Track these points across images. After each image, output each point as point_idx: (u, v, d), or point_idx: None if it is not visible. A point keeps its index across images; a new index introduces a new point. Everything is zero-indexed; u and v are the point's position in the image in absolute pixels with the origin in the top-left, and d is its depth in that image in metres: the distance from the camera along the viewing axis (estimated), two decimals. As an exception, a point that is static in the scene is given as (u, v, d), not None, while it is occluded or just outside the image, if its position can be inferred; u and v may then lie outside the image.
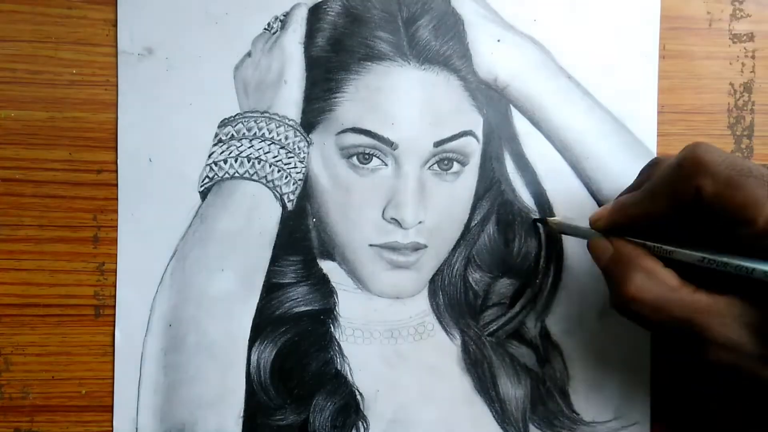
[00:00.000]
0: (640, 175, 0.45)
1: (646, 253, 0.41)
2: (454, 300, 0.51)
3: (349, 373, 0.50)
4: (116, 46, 0.49)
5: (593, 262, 0.48)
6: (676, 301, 0.39)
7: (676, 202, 0.38)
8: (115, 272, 0.49)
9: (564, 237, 0.51)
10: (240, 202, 0.49)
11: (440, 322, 0.51)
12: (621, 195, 0.45)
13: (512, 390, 0.51)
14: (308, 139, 0.50)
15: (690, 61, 0.52)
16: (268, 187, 0.49)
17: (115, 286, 0.49)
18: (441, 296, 0.51)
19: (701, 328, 0.38)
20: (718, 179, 0.36)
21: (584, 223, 0.45)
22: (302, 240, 0.50)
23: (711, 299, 0.38)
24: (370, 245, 0.50)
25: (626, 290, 0.40)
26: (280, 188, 0.49)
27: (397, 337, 0.51)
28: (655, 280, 0.40)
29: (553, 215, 0.51)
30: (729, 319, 0.37)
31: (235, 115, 0.50)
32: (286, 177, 0.49)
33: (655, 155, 0.51)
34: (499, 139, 0.51)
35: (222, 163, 0.49)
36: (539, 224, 0.50)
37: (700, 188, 0.37)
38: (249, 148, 0.49)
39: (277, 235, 0.50)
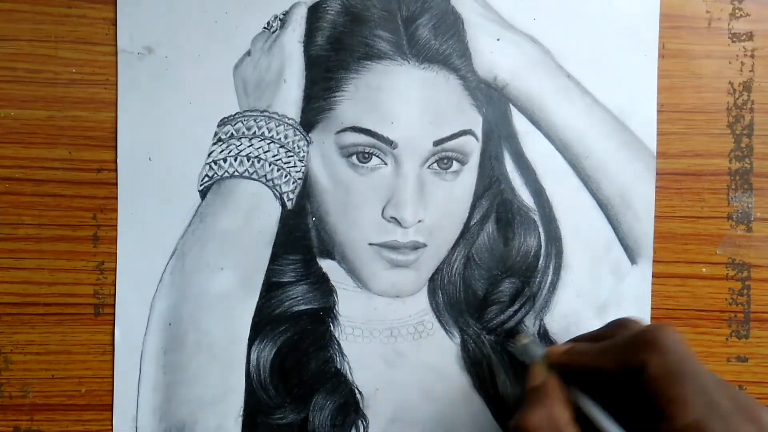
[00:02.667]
0: (606, 326, 0.45)
1: (564, 401, 0.40)
2: (454, 299, 0.51)
3: (348, 372, 0.50)
4: (116, 45, 0.49)
5: (593, 262, 0.48)
6: None
7: (621, 368, 0.39)
8: (115, 271, 0.49)
9: (564, 236, 0.51)
10: (240, 201, 0.49)
11: (439, 321, 0.51)
12: (580, 337, 0.46)
13: (511, 388, 0.51)
14: (308, 138, 0.50)
15: (689, 60, 0.52)
16: (268, 186, 0.49)
17: (115, 285, 0.49)
18: (440, 295, 0.51)
19: None
20: (664, 365, 0.37)
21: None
22: (302, 239, 0.50)
23: None
24: (370, 244, 0.50)
25: (522, 417, 0.40)
26: (280, 187, 0.49)
27: (397, 336, 0.51)
28: (550, 426, 0.39)
29: (554, 218, 0.51)
30: None
31: (235, 114, 0.50)
32: (286, 176, 0.49)
33: (655, 154, 0.51)
34: (498, 138, 0.51)
35: (222, 162, 0.49)
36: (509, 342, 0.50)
37: (646, 364, 0.37)
38: (249, 147, 0.49)
39: (277, 233, 0.50)
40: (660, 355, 0.37)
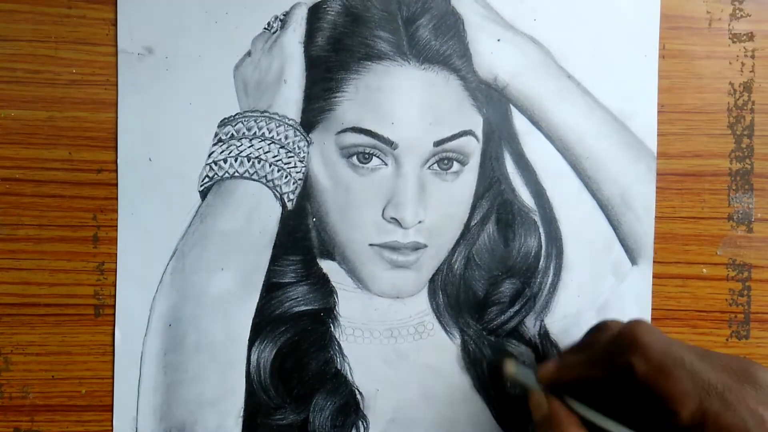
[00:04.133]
0: (587, 334, 0.46)
1: (577, 422, 0.41)
2: (454, 299, 0.51)
3: (348, 373, 0.50)
4: (116, 46, 0.49)
5: (593, 262, 0.48)
6: None
7: (612, 372, 0.39)
8: (115, 272, 0.49)
9: (564, 237, 0.51)
10: (240, 201, 0.49)
11: (440, 322, 0.51)
12: (568, 350, 0.46)
13: (511, 388, 0.51)
14: (308, 139, 0.50)
15: (690, 60, 0.52)
16: (268, 187, 0.49)
17: (115, 286, 0.49)
18: (441, 296, 0.51)
19: None
20: (649, 362, 0.37)
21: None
22: (302, 239, 0.50)
23: None
24: (370, 245, 0.50)
25: None
26: (280, 188, 0.49)
27: (397, 337, 0.51)
28: None
29: (555, 219, 0.51)
30: None
31: (235, 115, 0.50)
32: (286, 176, 0.49)
33: (655, 154, 0.51)
34: (499, 139, 0.51)
35: (222, 163, 0.49)
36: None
37: (633, 366, 0.37)
38: (249, 147, 0.49)
39: (277, 234, 0.50)
40: (642, 353, 0.37)
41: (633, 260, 0.52)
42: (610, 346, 0.40)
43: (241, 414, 0.49)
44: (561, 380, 0.43)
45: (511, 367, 0.46)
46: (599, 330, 0.44)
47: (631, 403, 0.38)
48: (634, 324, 0.39)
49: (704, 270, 0.52)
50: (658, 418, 0.37)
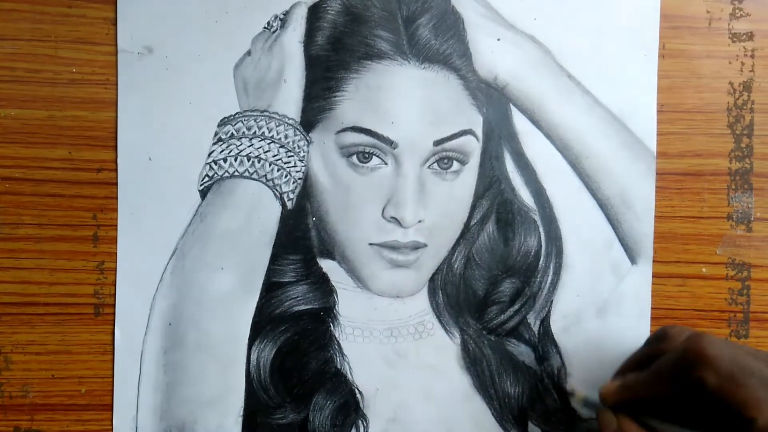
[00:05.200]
0: (647, 343, 0.47)
1: None
2: (454, 299, 0.51)
3: (348, 372, 0.50)
4: (116, 45, 0.49)
5: (593, 262, 0.48)
6: None
7: (680, 388, 0.40)
8: (115, 271, 0.49)
9: (564, 236, 0.51)
10: (240, 200, 0.49)
11: (440, 321, 0.51)
12: (627, 364, 0.46)
13: (511, 388, 0.51)
14: (308, 138, 0.50)
15: (690, 60, 0.52)
16: (268, 186, 0.49)
17: (115, 285, 0.49)
18: (441, 295, 0.51)
19: None
20: (721, 374, 0.38)
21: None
22: (302, 239, 0.50)
23: None
24: (370, 244, 0.50)
25: None
26: (280, 187, 0.49)
27: (397, 336, 0.51)
28: None
29: (555, 218, 0.51)
30: None
31: (235, 114, 0.50)
32: (286, 176, 0.49)
33: (655, 154, 0.51)
34: (498, 138, 0.51)
35: (222, 162, 0.49)
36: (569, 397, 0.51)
37: (703, 380, 0.38)
38: (249, 146, 0.49)
39: (277, 233, 0.50)
40: (713, 367, 0.38)
41: (633, 259, 0.52)
42: (677, 363, 0.40)
43: (241, 413, 0.49)
44: (623, 401, 0.43)
45: (580, 394, 0.49)
46: (659, 340, 0.45)
47: (700, 414, 0.39)
48: (698, 338, 0.40)
49: (704, 269, 0.52)
50: (733, 426, 0.38)
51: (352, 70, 0.49)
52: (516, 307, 0.51)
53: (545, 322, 0.51)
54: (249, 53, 0.50)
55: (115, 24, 0.49)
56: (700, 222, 0.52)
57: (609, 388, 0.44)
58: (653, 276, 0.52)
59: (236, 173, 0.49)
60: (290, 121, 0.49)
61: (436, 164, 0.50)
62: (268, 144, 0.49)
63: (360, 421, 0.50)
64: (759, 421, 0.37)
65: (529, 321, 0.51)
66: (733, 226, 0.52)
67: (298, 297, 0.50)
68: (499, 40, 0.51)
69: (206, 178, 0.49)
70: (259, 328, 0.50)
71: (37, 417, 0.49)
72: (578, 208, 0.51)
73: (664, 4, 0.51)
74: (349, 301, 0.51)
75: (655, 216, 0.52)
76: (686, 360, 0.39)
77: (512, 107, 0.51)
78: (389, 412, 0.50)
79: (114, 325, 0.49)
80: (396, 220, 0.49)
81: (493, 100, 0.51)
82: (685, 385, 0.39)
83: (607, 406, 0.44)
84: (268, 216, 0.50)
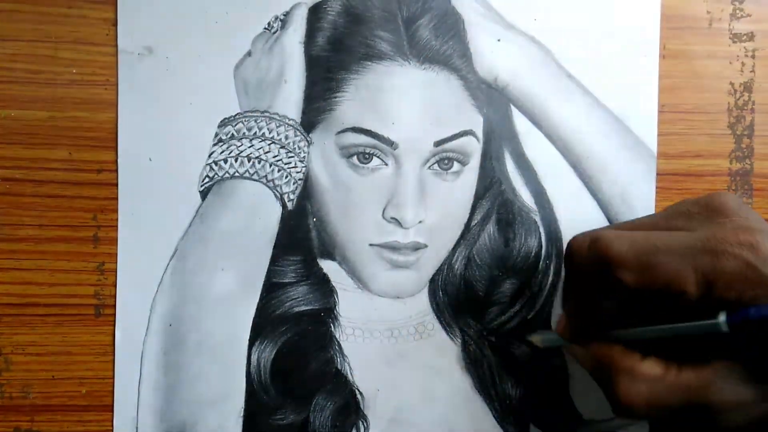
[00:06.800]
0: (565, 265, 0.46)
1: (622, 350, 0.40)
2: (455, 299, 0.51)
3: (349, 373, 0.50)
4: (116, 46, 0.49)
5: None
6: (667, 390, 0.38)
7: (616, 294, 0.39)
8: (116, 272, 0.49)
9: (564, 237, 0.51)
10: (240, 201, 0.49)
11: (440, 322, 0.51)
12: (564, 294, 0.47)
13: (512, 389, 0.51)
14: (308, 139, 0.50)
15: (690, 60, 0.52)
16: (269, 187, 0.49)
17: (116, 286, 0.49)
18: (441, 296, 0.51)
19: (702, 403, 0.37)
20: (633, 268, 0.37)
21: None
22: (302, 240, 0.50)
23: (697, 373, 0.37)
24: (371, 245, 0.50)
25: (617, 399, 0.39)
26: (281, 188, 0.49)
27: (398, 337, 0.51)
28: (639, 378, 0.38)
29: (555, 219, 0.51)
30: (723, 384, 0.36)
31: (236, 115, 0.50)
32: (287, 176, 0.49)
33: (655, 154, 0.51)
34: (499, 139, 0.51)
35: (222, 163, 0.49)
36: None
37: (622, 281, 0.38)
38: (249, 147, 0.49)
39: (278, 234, 0.50)
40: (623, 265, 0.37)
41: (633, 260, 0.51)
42: (596, 274, 0.39)
43: (242, 414, 0.49)
44: (577, 329, 0.43)
45: (537, 339, 0.48)
46: (571, 256, 0.43)
47: (650, 306, 0.38)
48: (597, 242, 0.39)
49: (704, 270, 0.52)
50: (674, 309, 0.37)
51: (352, 71, 0.49)
52: (517, 307, 0.51)
53: (546, 323, 0.51)
54: (249, 54, 0.50)
55: (116, 24, 0.49)
56: (701, 222, 0.52)
57: (559, 324, 0.44)
58: (654, 276, 0.52)
59: (237, 174, 0.49)
60: (291, 122, 0.49)
61: (436, 165, 0.50)
62: (269, 145, 0.49)
63: (360, 422, 0.50)
64: (689, 290, 0.35)
65: (529, 321, 0.51)
66: (733, 227, 0.52)
67: (298, 298, 0.50)
68: (499, 40, 0.51)
69: (206, 179, 0.49)
70: (260, 329, 0.50)
71: (38, 418, 0.49)
72: (579, 209, 0.51)
73: (664, 4, 0.51)
74: (349, 302, 0.51)
75: (656, 216, 0.51)
76: (600, 268, 0.39)
77: (513, 108, 0.51)
78: (390, 412, 0.50)
79: (114, 326, 0.49)
80: (396, 221, 0.49)
81: (494, 100, 0.51)
82: (618, 290, 0.38)
83: (570, 341, 0.44)
84: (269, 217, 0.50)
